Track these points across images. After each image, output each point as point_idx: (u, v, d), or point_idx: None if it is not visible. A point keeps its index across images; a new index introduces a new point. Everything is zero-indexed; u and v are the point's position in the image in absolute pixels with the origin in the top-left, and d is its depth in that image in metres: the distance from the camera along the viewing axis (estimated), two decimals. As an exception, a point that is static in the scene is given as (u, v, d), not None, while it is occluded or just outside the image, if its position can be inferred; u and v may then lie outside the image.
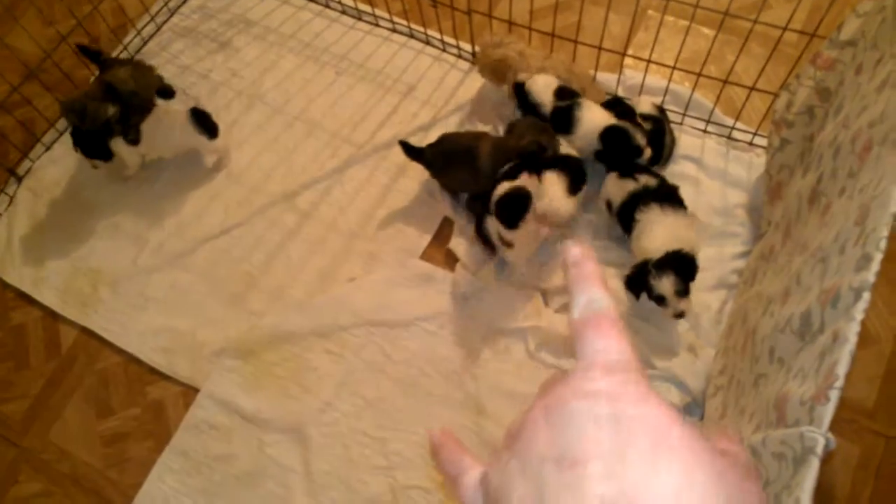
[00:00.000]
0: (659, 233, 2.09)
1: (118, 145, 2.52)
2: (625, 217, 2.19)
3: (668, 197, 2.16)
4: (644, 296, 2.09)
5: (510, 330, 2.26)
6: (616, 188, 2.23)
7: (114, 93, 2.48)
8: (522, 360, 2.23)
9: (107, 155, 2.53)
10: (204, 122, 2.55)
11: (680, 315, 2.06)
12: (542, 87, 2.35)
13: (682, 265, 2.04)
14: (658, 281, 2.02)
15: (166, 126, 2.54)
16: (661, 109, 2.44)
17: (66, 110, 2.45)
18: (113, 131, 2.48)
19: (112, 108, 2.44)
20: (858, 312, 1.11)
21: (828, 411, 1.07)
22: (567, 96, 2.34)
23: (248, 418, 2.24)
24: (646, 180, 2.18)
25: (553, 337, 2.21)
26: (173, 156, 2.65)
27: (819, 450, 1.04)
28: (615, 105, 2.40)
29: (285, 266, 2.48)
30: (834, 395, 1.07)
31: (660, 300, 2.05)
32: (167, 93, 2.78)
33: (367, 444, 2.17)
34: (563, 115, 2.32)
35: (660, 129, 2.37)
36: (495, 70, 2.46)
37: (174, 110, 2.57)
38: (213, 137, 2.57)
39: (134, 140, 2.49)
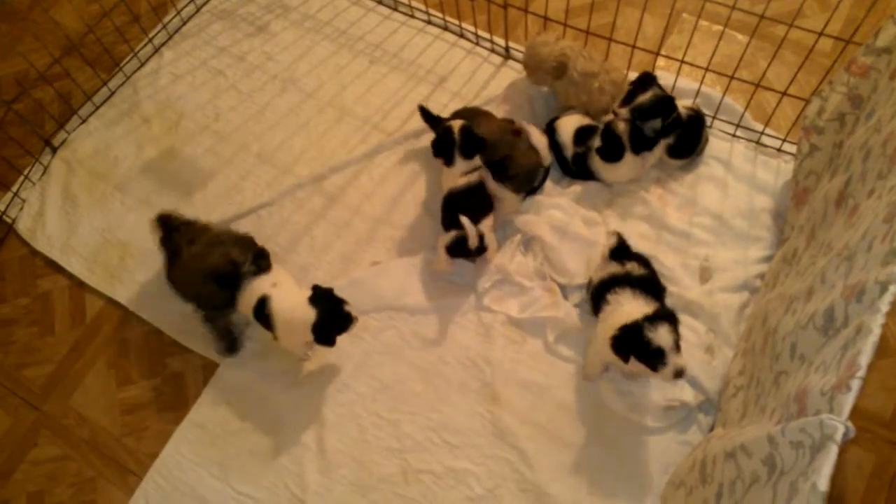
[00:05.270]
0: (627, 310, 1.94)
1: None
2: (597, 296, 2.10)
3: (648, 287, 2.04)
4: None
5: (528, 321, 2.27)
6: (601, 267, 2.16)
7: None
8: (539, 352, 2.25)
9: None
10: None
11: (680, 374, 1.82)
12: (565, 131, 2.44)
13: (673, 319, 1.85)
14: (655, 332, 1.82)
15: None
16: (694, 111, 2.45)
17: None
18: None
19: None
20: (884, 304, 1.11)
21: (849, 400, 1.07)
22: (584, 138, 2.39)
23: (266, 395, 2.26)
24: (632, 267, 2.09)
25: (571, 329, 2.22)
26: None
27: (838, 437, 1.05)
28: (645, 81, 2.33)
29: (310, 247, 2.51)
30: (855, 385, 1.08)
31: (657, 356, 1.82)
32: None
33: (381, 425, 2.19)
34: (582, 164, 2.43)
35: (698, 119, 2.39)
36: (557, 69, 2.42)
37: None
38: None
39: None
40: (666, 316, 1.86)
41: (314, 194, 2.60)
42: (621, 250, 2.19)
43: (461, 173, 2.31)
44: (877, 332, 1.10)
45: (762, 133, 2.46)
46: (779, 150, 2.45)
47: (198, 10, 3.09)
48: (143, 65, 2.99)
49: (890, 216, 1.26)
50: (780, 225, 2.30)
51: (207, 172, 2.69)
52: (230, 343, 2.34)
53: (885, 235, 1.25)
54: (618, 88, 2.41)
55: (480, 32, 2.83)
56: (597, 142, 2.36)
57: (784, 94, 2.29)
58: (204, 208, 2.61)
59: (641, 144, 2.33)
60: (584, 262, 2.29)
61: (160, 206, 2.62)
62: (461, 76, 2.80)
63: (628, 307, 1.97)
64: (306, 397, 2.25)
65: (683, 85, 2.53)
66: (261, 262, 2.21)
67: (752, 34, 2.29)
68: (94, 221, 2.65)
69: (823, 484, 1.03)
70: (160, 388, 2.36)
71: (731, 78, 2.32)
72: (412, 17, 2.97)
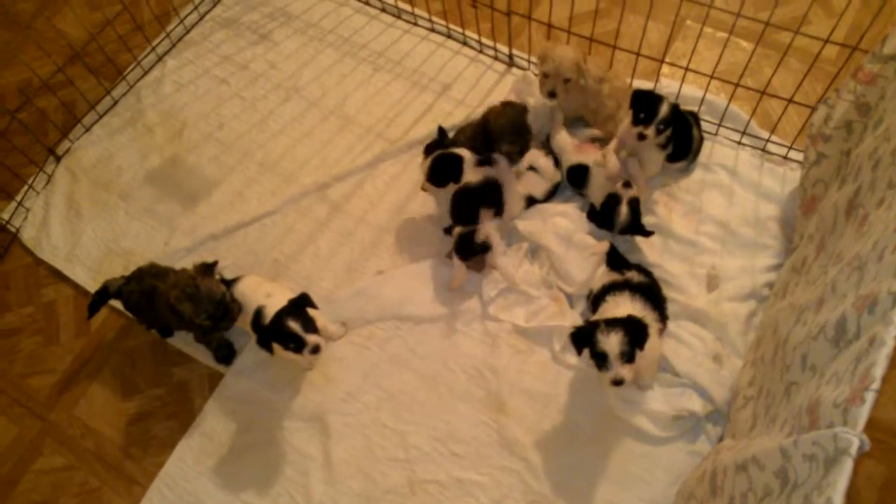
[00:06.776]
0: (622, 311, 1.95)
1: None
2: (597, 300, 2.12)
3: (647, 294, 2.08)
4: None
5: (534, 330, 2.26)
6: (601, 276, 2.20)
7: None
8: (545, 361, 2.24)
9: None
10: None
11: (618, 383, 1.86)
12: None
13: (634, 329, 1.88)
14: (605, 337, 1.85)
15: None
16: (693, 115, 2.44)
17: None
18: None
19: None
20: (897, 316, 1.10)
21: (863, 413, 1.06)
22: (578, 181, 2.42)
23: (272, 404, 2.25)
24: (632, 275, 2.13)
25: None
26: None
27: (853, 450, 1.04)
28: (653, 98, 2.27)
29: (314, 256, 2.50)
30: (869, 397, 1.07)
31: (600, 359, 1.87)
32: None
33: (388, 435, 2.18)
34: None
35: (686, 122, 2.36)
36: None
37: None
38: None
39: None
40: (627, 325, 1.86)
41: (318, 203, 2.60)
42: (616, 259, 2.21)
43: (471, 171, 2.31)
44: (891, 343, 1.09)
45: (768, 140, 2.45)
46: (785, 157, 2.45)
47: (201, 18, 3.09)
48: (146, 73, 2.99)
49: (901, 226, 1.26)
50: (787, 233, 2.29)
51: (211, 181, 2.69)
52: (227, 354, 2.35)
53: (896, 246, 1.24)
54: (623, 96, 2.41)
55: (484, 40, 2.83)
56: (590, 192, 2.38)
57: (790, 101, 2.28)
58: (208, 217, 2.61)
59: (634, 230, 2.29)
60: (589, 270, 2.28)
61: (163, 215, 2.63)
62: (465, 84, 2.79)
63: (623, 308, 1.97)
64: (312, 407, 2.24)
65: (688, 92, 2.52)
66: (221, 322, 2.14)
67: (757, 41, 2.28)
68: (97, 230, 2.65)
69: (839, 499, 1.02)
70: (165, 398, 2.35)
71: (737, 85, 2.32)
72: (415, 24, 2.97)
